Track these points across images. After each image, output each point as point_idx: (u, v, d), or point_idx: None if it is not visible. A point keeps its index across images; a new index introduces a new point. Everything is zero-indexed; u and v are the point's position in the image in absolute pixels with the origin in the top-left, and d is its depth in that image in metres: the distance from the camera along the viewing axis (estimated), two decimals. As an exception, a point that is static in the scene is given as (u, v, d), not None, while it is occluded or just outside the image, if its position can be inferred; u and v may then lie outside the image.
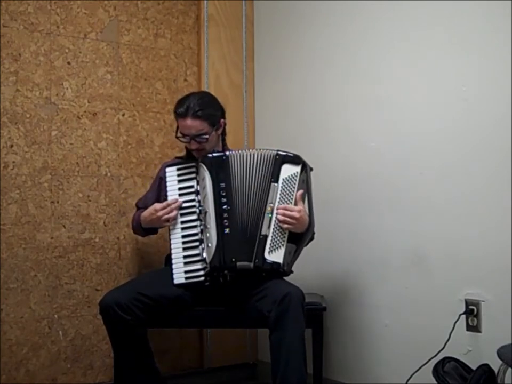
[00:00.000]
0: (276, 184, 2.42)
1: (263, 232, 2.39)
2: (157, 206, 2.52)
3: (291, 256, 2.43)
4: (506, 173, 2.27)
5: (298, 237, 2.45)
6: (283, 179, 2.43)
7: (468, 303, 2.39)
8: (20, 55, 2.79)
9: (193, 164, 2.52)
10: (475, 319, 2.37)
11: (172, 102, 3.12)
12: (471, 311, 2.37)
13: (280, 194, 2.41)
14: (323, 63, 3.01)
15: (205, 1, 3.26)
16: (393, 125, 2.68)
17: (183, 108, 2.52)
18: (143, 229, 2.68)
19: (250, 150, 2.50)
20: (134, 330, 2.39)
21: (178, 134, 2.57)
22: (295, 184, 2.43)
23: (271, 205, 2.41)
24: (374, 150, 2.75)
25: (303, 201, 2.47)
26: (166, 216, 2.49)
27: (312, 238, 2.58)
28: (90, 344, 2.91)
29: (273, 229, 2.39)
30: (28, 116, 2.80)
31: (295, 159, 2.46)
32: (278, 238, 2.39)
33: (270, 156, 2.46)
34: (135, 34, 3.09)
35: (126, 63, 3.06)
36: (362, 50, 2.82)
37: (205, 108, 2.53)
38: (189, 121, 2.51)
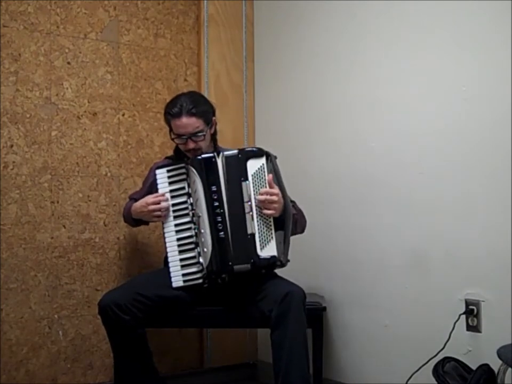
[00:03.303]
0: (247, 182, 2.38)
1: (249, 231, 2.36)
2: (148, 199, 2.50)
3: (282, 246, 2.41)
4: (506, 173, 2.27)
5: (282, 224, 2.42)
6: (251, 175, 2.38)
7: (467, 303, 2.39)
8: (20, 55, 2.79)
9: (183, 165, 2.48)
10: (475, 319, 2.36)
11: (172, 102, 3.13)
12: (471, 311, 2.37)
13: (253, 190, 2.37)
14: (323, 63, 3.01)
15: (205, 1, 3.26)
16: (393, 125, 2.68)
17: (177, 107, 2.50)
18: (133, 220, 2.67)
19: (224, 151, 2.47)
20: (133, 330, 2.39)
21: (173, 136, 2.56)
22: (264, 176, 2.39)
23: (249, 203, 2.37)
24: (374, 150, 2.75)
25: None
26: (157, 213, 2.48)
27: (304, 221, 2.56)
28: (90, 344, 2.91)
29: (258, 225, 2.36)
30: (28, 115, 2.80)
31: (257, 153, 2.41)
32: (265, 232, 2.37)
33: (234, 156, 2.42)
34: (135, 34, 3.09)
35: (126, 63, 3.06)
36: (362, 51, 2.82)
37: (198, 105, 2.52)
38: (184, 120, 2.49)
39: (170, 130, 2.57)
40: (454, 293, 2.43)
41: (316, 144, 3.01)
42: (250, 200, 2.38)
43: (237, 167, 2.40)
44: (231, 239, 2.39)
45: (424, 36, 2.55)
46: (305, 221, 2.60)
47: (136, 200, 2.67)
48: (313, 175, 3.00)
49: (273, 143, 3.03)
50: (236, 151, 2.43)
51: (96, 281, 2.94)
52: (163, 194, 2.48)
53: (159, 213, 2.48)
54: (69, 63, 2.91)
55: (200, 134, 2.52)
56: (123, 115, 3.04)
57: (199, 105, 2.53)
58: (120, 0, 3.05)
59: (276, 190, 2.38)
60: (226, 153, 2.45)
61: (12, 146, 2.76)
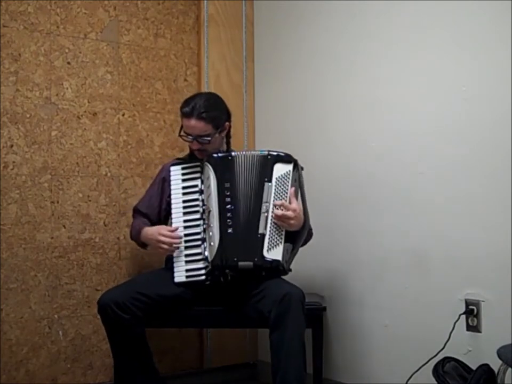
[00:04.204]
0: (269, 184, 2.43)
1: (261, 231, 2.40)
2: (162, 230, 2.51)
3: (289, 254, 2.44)
4: (506, 173, 2.27)
5: (295, 235, 2.45)
6: (276, 178, 2.44)
7: (467, 303, 2.39)
8: (20, 55, 2.79)
9: (198, 164, 2.54)
10: (475, 319, 2.37)
11: (172, 102, 3.13)
12: (471, 311, 2.37)
13: (274, 193, 2.42)
14: (323, 63, 3.01)
15: (205, 1, 3.26)
16: (393, 125, 2.68)
17: (189, 107, 2.53)
18: (142, 242, 2.65)
19: (249, 151, 2.53)
20: (132, 329, 2.39)
21: (182, 133, 2.59)
22: (288, 182, 2.44)
23: (266, 204, 2.41)
24: (374, 150, 2.75)
25: (296, 198, 2.47)
26: (164, 246, 2.48)
27: (310, 236, 2.58)
28: (90, 344, 2.91)
29: (270, 227, 2.40)
30: (28, 115, 2.80)
31: (286, 158, 2.47)
32: (275, 236, 2.40)
33: (262, 157, 2.47)
34: (135, 34, 3.09)
35: (126, 63, 3.06)
36: (362, 51, 2.82)
37: (210, 109, 2.54)
38: (193, 122, 2.52)
39: (182, 127, 2.60)
40: (454, 293, 2.43)
41: (315, 144, 3.01)
42: (268, 202, 2.41)
43: (263, 166, 2.45)
44: (240, 236, 2.41)
45: (424, 36, 2.55)
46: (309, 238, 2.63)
47: (141, 212, 2.71)
48: (313, 175, 2.99)
49: (273, 143, 3.03)
50: (265, 152, 2.48)
51: (96, 281, 2.93)
52: (177, 228, 2.49)
53: (166, 246, 2.48)
54: (69, 63, 2.91)
55: (206, 138, 2.54)
56: (123, 115, 3.04)
57: (211, 110, 2.54)
58: (120, 0, 3.05)
59: (293, 205, 2.40)
60: (255, 152, 2.50)
61: (12, 146, 2.76)
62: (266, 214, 2.40)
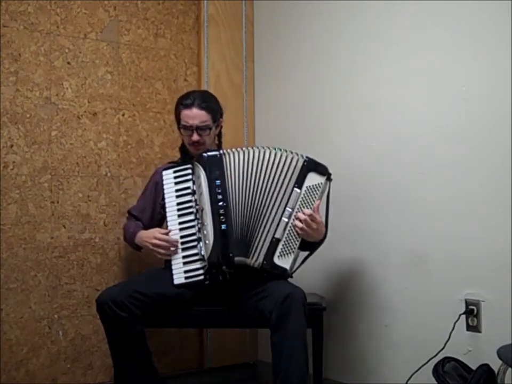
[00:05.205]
0: (298, 191, 2.43)
1: (277, 236, 2.40)
2: (156, 233, 2.52)
3: (297, 264, 2.45)
4: (506, 173, 2.27)
5: (310, 246, 2.48)
6: (307, 187, 2.44)
7: (467, 303, 2.39)
8: (20, 55, 2.79)
9: (189, 166, 2.54)
10: (475, 319, 2.36)
11: (172, 102, 3.12)
12: (471, 311, 2.37)
13: (300, 201, 2.42)
14: (323, 63, 3.01)
15: (205, 1, 3.26)
16: (393, 125, 2.68)
17: (190, 99, 2.61)
18: (136, 245, 2.69)
19: (275, 149, 2.49)
20: (130, 328, 2.39)
21: (180, 126, 2.63)
22: (317, 194, 2.44)
23: (289, 210, 2.41)
24: (374, 150, 2.75)
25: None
26: (161, 251, 2.50)
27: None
28: (90, 344, 2.91)
29: (287, 234, 2.41)
30: (28, 115, 2.80)
31: (322, 170, 2.47)
32: (290, 244, 2.41)
33: (297, 161, 2.46)
34: (135, 34, 3.09)
35: (126, 63, 3.06)
36: (362, 51, 2.82)
37: (209, 101, 2.64)
38: (195, 111, 2.59)
39: (178, 122, 2.65)
40: (454, 293, 2.43)
41: (315, 144, 3.01)
42: (292, 209, 2.41)
43: (297, 172, 2.44)
44: (235, 231, 2.40)
45: (424, 36, 2.55)
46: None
47: (134, 215, 2.75)
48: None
49: (273, 143, 3.02)
50: (303, 158, 2.46)
51: (96, 281, 2.93)
52: (170, 231, 2.50)
53: (161, 250, 2.50)
54: (69, 63, 2.91)
55: (206, 128, 2.59)
56: (123, 115, 3.04)
57: (210, 102, 2.65)
58: (120, 0, 3.05)
59: (318, 218, 2.41)
60: (290, 154, 2.47)
61: (12, 146, 2.76)
62: (286, 220, 2.41)
